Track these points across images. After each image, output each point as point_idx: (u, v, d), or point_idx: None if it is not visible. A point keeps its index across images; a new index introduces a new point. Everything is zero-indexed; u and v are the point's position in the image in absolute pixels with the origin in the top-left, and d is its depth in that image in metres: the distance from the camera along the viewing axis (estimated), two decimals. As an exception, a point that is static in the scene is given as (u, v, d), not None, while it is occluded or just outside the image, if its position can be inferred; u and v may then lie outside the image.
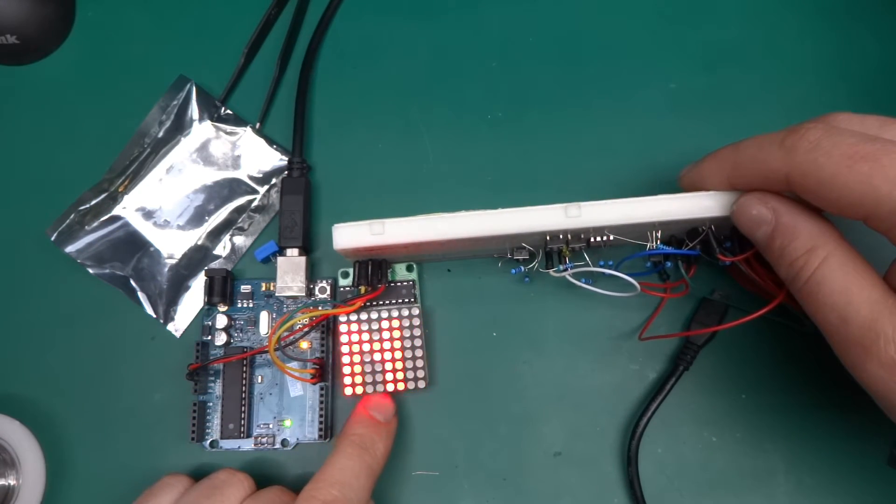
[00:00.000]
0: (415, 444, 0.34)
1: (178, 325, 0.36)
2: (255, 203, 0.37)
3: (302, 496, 0.27)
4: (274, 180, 0.37)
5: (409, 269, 0.35)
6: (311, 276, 0.35)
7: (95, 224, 0.36)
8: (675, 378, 0.33)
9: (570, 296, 0.35)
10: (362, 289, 0.33)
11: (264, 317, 0.35)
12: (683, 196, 0.29)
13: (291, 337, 0.34)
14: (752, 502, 0.33)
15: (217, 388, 0.34)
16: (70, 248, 0.36)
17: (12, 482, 0.34)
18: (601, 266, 0.31)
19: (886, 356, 0.22)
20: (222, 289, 0.34)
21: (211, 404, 0.34)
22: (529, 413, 0.34)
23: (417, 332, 0.33)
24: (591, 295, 0.33)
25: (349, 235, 0.30)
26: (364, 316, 0.33)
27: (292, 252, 0.34)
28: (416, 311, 0.33)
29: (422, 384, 0.33)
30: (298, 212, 0.35)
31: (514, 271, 0.32)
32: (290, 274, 0.34)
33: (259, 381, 0.34)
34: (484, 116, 0.38)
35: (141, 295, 0.36)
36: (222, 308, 0.35)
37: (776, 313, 0.33)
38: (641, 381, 0.34)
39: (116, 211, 0.37)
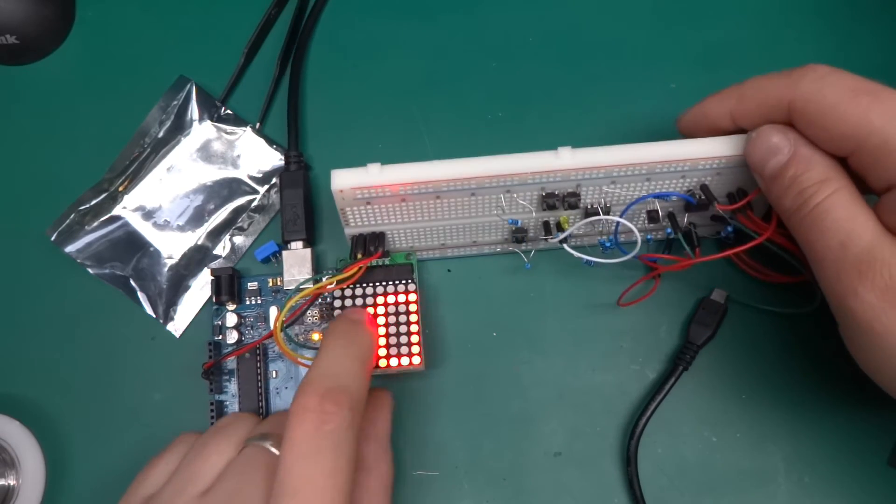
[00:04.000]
0: (415, 444, 0.34)
1: (178, 325, 0.36)
2: (255, 203, 0.37)
3: (297, 398, 0.25)
4: (274, 180, 0.37)
5: (408, 257, 0.34)
6: (317, 268, 0.35)
7: (95, 224, 0.36)
8: (674, 378, 0.33)
9: (571, 295, 0.35)
10: (359, 256, 0.32)
11: (273, 312, 0.35)
12: (679, 142, 0.29)
13: (295, 316, 0.33)
14: (752, 502, 0.33)
15: (232, 386, 0.34)
16: (70, 248, 0.36)
17: (12, 482, 0.34)
18: (601, 241, 0.32)
19: (881, 280, 0.23)
20: (230, 287, 0.34)
21: (227, 402, 0.34)
22: (529, 413, 0.34)
23: (413, 307, 0.32)
24: (592, 295, 0.33)
25: (347, 176, 0.30)
26: (359, 291, 0.33)
27: (296, 245, 0.34)
28: (412, 287, 0.33)
29: (417, 360, 0.32)
30: (300, 205, 0.35)
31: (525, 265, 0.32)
32: (296, 267, 0.34)
33: (274, 375, 0.34)
34: (484, 116, 0.38)
35: (141, 295, 0.36)
36: (231, 306, 0.35)
37: (778, 304, 0.34)
38: (641, 381, 0.34)
39: (116, 211, 0.37)
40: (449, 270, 0.36)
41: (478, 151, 0.37)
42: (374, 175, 0.29)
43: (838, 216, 0.25)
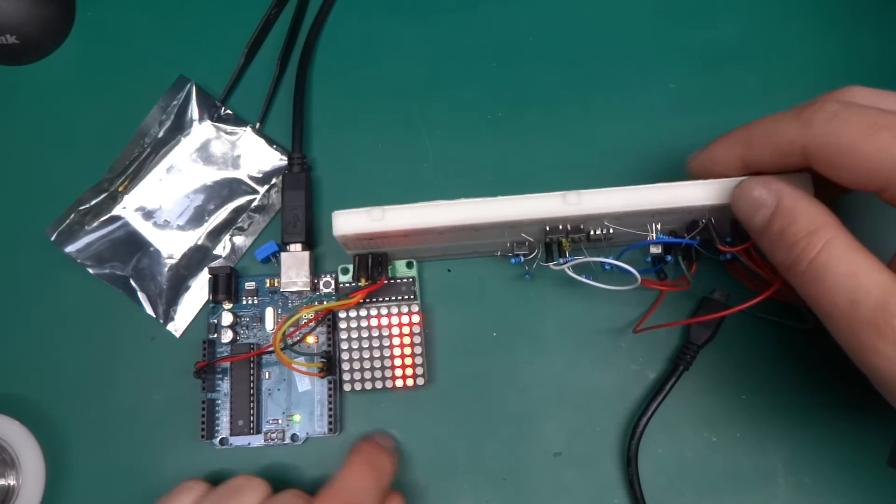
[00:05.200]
0: (415, 444, 0.34)
1: (178, 325, 0.36)
2: (255, 203, 0.37)
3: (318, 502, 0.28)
4: (274, 180, 0.37)
5: (409, 265, 0.35)
6: (315, 271, 0.35)
7: (95, 224, 0.36)
8: (674, 378, 0.33)
9: (571, 296, 0.35)
10: (362, 281, 0.33)
11: (269, 313, 0.35)
12: (683, 184, 0.29)
13: (297, 333, 0.34)
14: (752, 502, 0.33)
15: (225, 385, 0.34)
16: (70, 248, 0.36)
17: (12, 482, 0.34)
18: (601, 262, 0.31)
19: None
20: (227, 286, 0.34)
21: (219, 402, 0.34)
22: (529, 413, 0.34)
23: (417, 328, 0.33)
24: (592, 295, 0.33)
25: (348, 221, 0.30)
26: (364, 312, 0.33)
27: (295, 247, 0.34)
28: (415, 308, 0.33)
29: (420, 381, 0.33)
30: (300, 207, 0.35)
31: (513, 261, 0.32)
32: (293, 269, 0.34)
33: (267, 377, 0.34)
34: (484, 116, 0.38)
35: (141, 295, 0.36)
36: (227, 305, 0.35)
37: (776, 314, 0.34)
38: (641, 381, 0.34)
39: (116, 211, 0.37)
40: (449, 270, 0.36)
41: (478, 151, 0.37)
42: (377, 221, 0.29)
43: (839, 272, 0.23)
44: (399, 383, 0.33)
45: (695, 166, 0.30)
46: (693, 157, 0.30)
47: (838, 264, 0.24)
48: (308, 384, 0.34)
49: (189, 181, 0.37)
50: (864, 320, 0.23)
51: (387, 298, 0.34)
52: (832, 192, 0.27)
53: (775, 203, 0.25)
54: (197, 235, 0.37)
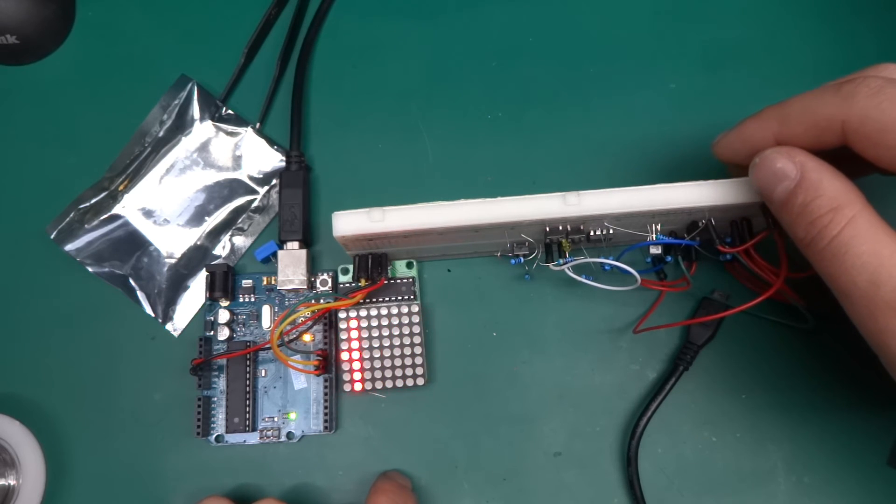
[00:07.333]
0: (414, 444, 0.34)
1: (177, 324, 0.36)
2: (255, 204, 0.37)
3: None
4: (274, 181, 0.37)
5: (409, 266, 0.35)
6: (312, 269, 0.35)
7: (95, 223, 0.36)
8: (674, 378, 0.33)
9: (571, 295, 0.35)
10: (362, 281, 0.33)
11: (266, 311, 0.35)
12: (683, 185, 0.29)
13: (294, 331, 0.34)
14: (752, 502, 0.33)
15: (221, 382, 0.34)
16: (70, 247, 0.36)
17: (12, 482, 0.34)
18: (602, 262, 0.31)
19: None
20: (224, 283, 0.34)
21: (215, 399, 0.34)
22: (529, 413, 0.34)
23: (417, 328, 0.33)
24: (592, 295, 0.33)
25: (348, 222, 0.30)
26: (364, 312, 0.33)
27: (292, 245, 0.34)
28: (415, 308, 0.33)
29: (420, 381, 0.33)
30: (298, 205, 0.35)
31: (513, 262, 0.32)
32: (290, 267, 0.34)
33: (263, 374, 0.34)
34: (484, 116, 0.38)
35: (140, 294, 0.36)
36: (224, 303, 0.35)
37: (776, 314, 0.34)
38: (641, 381, 0.34)
39: (116, 210, 0.36)
40: (449, 270, 0.36)
41: (478, 151, 0.37)
42: (377, 222, 0.29)
43: (861, 251, 0.23)
44: (399, 383, 0.33)
45: (723, 146, 0.29)
46: (721, 137, 0.29)
47: (861, 243, 0.23)
48: (304, 382, 0.34)
49: (189, 181, 0.37)
50: (883, 302, 0.22)
51: (387, 298, 0.34)
52: (855, 174, 0.27)
53: (799, 176, 0.24)
54: (196, 235, 0.37)
